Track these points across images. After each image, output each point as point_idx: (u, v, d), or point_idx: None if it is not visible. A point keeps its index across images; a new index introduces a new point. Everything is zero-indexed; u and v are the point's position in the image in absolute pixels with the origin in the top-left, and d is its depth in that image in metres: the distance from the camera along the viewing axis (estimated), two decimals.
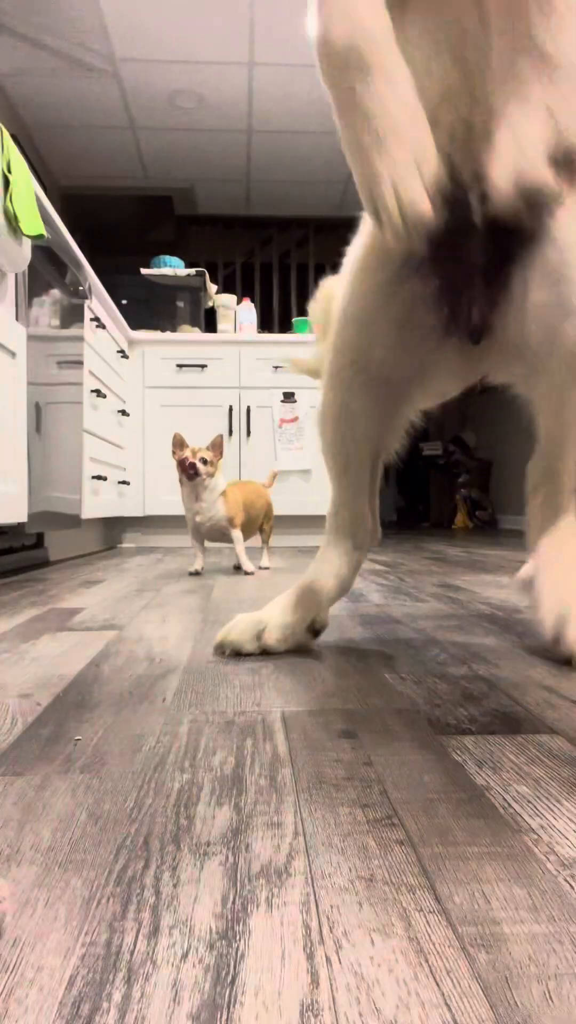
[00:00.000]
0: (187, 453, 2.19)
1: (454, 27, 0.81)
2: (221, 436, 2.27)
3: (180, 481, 2.24)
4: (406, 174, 0.72)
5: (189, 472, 2.16)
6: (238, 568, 2.42)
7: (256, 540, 2.63)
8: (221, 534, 2.30)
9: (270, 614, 1.08)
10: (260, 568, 2.44)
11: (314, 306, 1.20)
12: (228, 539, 2.31)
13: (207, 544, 2.37)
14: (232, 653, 1.05)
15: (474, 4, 0.80)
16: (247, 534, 2.39)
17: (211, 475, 2.21)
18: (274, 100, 4.39)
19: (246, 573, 2.27)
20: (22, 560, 2.46)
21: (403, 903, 0.41)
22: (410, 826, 0.50)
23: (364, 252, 0.98)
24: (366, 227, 0.99)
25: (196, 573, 2.26)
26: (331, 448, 1.07)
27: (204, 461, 2.19)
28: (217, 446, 2.26)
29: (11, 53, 3.90)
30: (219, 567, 2.49)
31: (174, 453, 2.23)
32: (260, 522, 2.47)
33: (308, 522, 3.84)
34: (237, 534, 2.29)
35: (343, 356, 1.01)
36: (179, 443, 2.24)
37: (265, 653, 1.05)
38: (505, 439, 6.13)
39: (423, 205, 0.72)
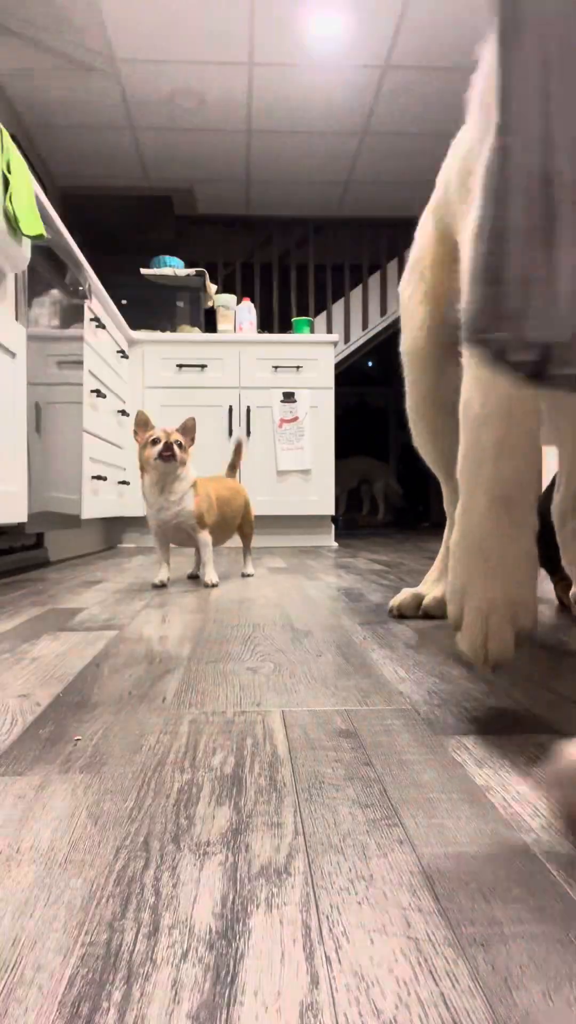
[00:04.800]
0: (158, 434, 1.87)
1: None
2: (193, 419, 1.97)
3: (142, 469, 1.91)
4: (503, 623, 0.74)
5: (165, 455, 1.85)
6: (194, 577, 2.15)
7: (237, 543, 2.45)
8: (187, 535, 1.96)
9: (424, 589, 1.43)
10: (243, 575, 2.21)
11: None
12: (194, 541, 1.98)
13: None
14: (399, 615, 1.40)
15: None
16: (222, 537, 2.08)
17: (184, 463, 1.90)
18: (274, 100, 4.39)
19: (207, 586, 1.92)
20: (22, 560, 2.46)
21: (403, 903, 0.41)
22: (410, 826, 0.50)
23: (431, 325, 1.27)
24: (414, 301, 1.30)
25: (161, 585, 1.92)
26: (436, 461, 1.38)
27: (179, 445, 1.88)
28: (189, 430, 1.94)
29: (11, 53, 3.90)
30: (218, 568, 2.49)
31: (136, 434, 1.90)
32: (237, 523, 2.15)
33: (308, 522, 3.84)
34: (205, 537, 1.95)
35: (421, 396, 1.33)
36: (143, 423, 1.91)
37: (427, 616, 1.39)
38: None
39: (509, 653, 0.75)
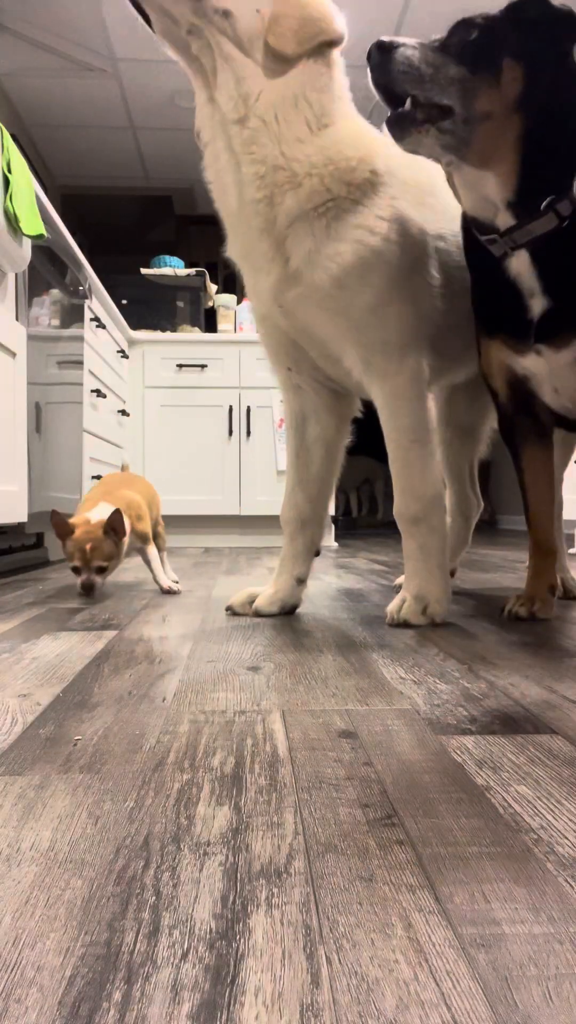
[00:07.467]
0: (76, 561, 1.57)
1: None
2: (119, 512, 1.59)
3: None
4: (287, 576, 1.48)
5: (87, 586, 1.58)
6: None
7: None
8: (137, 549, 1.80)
9: None
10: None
11: None
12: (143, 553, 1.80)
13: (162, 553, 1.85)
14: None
15: None
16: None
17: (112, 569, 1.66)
18: None
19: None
20: (22, 560, 2.46)
21: (403, 903, 0.41)
22: (410, 826, 0.50)
23: None
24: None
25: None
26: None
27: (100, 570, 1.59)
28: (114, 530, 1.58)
29: (11, 53, 3.90)
30: (218, 568, 2.49)
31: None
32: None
33: None
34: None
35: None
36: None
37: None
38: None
39: (289, 587, 1.47)
